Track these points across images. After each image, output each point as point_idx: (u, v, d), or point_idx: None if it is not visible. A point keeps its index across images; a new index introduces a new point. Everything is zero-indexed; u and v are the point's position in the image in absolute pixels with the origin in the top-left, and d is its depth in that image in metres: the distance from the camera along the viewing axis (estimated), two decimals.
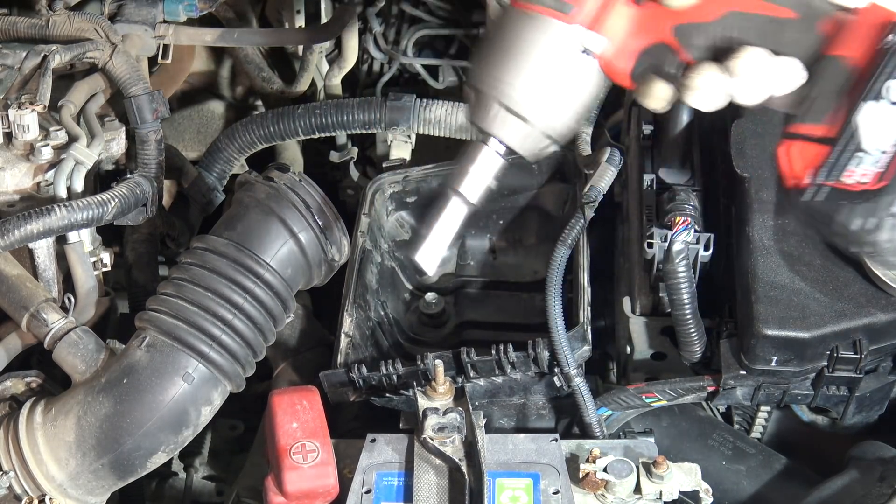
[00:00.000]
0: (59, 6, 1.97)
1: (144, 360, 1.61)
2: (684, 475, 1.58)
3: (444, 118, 2.11)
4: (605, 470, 1.59)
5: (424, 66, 2.51)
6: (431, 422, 1.63)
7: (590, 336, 1.75)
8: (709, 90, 1.29)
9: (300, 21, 2.42)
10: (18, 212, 1.65)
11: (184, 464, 2.16)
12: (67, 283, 1.80)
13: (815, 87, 1.28)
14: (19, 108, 1.76)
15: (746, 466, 1.77)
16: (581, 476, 1.60)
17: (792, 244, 1.68)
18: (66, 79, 1.90)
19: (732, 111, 1.87)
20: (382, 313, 2.02)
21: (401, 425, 1.72)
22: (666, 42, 1.33)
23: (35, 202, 1.76)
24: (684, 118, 1.80)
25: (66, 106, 1.82)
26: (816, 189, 1.29)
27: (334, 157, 2.48)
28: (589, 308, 1.78)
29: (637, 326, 1.80)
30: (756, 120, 1.82)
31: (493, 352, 1.73)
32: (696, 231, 1.70)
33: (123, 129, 1.91)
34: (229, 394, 1.68)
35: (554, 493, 1.59)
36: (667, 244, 1.68)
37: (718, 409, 1.90)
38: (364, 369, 1.75)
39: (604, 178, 1.73)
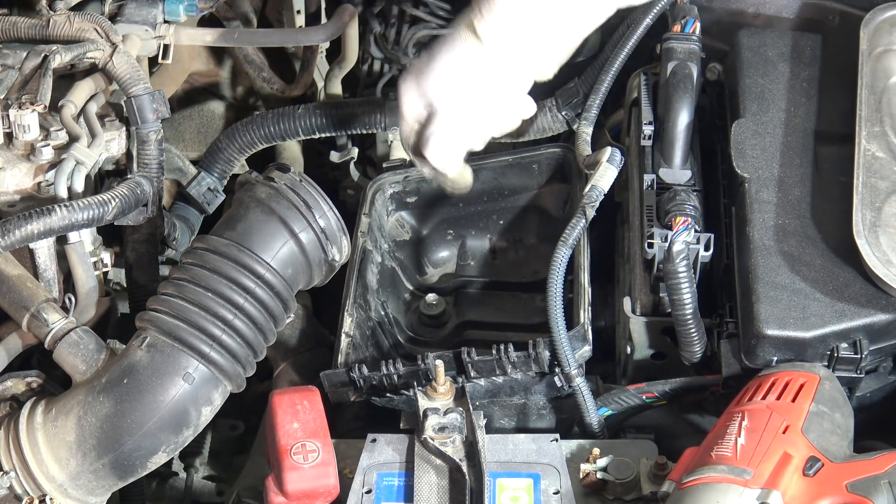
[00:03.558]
0: (60, 6, 1.97)
1: (145, 360, 1.61)
2: None
3: None
4: (605, 470, 1.59)
5: None
6: (432, 422, 1.63)
7: (590, 336, 1.75)
8: None
9: (300, 21, 2.42)
10: (19, 212, 1.65)
11: (184, 464, 2.16)
12: (68, 283, 1.80)
13: None
14: (20, 108, 1.76)
15: None
16: (581, 476, 1.60)
17: (792, 244, 1.68)
18: (66, 79, 1.89)
19: (733, 111, 1.87)
20: (383, 313, 2.02)
21: (401, 425, 1.72)
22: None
23: (35, 202, 1.76)
24: (684, 118, 1.80)
25: (67, 106, 1.81)
26: None
27: (334, 157, 2.48)
28: (589, 308, 1.78)
29: (637, 326, 1.80)
30: (756, 120, 1.82)
31: (494, 352, 1.73)
32: (696, 231, 1.70)
33: (124, 129, 1.90)
34: (230, 394, 1.68)
35: (554, 494, 1.59)
36: (667, 244, 1.68)
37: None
38: (365, 369, 1.75)
39: (605, 177, 1.73)
